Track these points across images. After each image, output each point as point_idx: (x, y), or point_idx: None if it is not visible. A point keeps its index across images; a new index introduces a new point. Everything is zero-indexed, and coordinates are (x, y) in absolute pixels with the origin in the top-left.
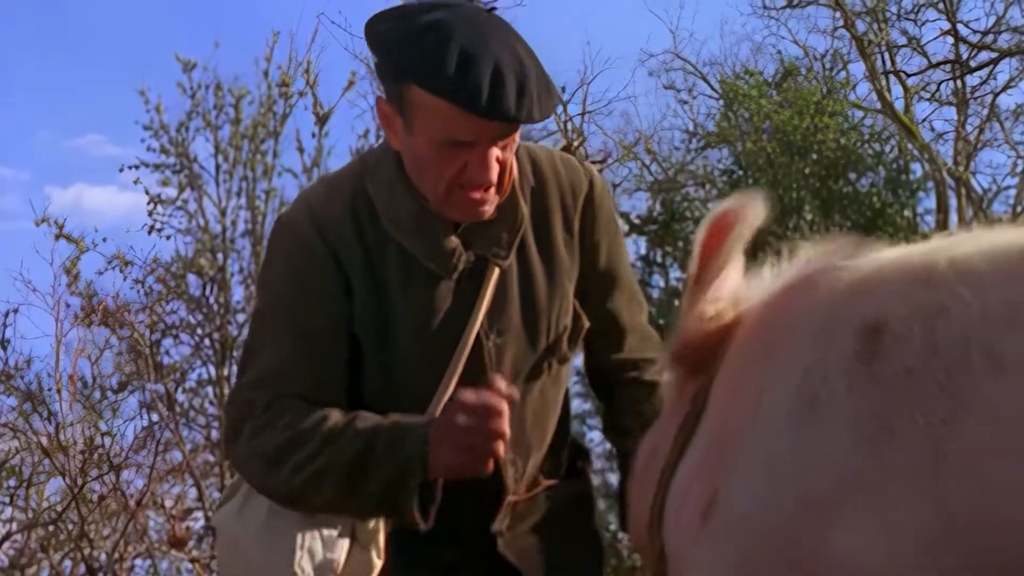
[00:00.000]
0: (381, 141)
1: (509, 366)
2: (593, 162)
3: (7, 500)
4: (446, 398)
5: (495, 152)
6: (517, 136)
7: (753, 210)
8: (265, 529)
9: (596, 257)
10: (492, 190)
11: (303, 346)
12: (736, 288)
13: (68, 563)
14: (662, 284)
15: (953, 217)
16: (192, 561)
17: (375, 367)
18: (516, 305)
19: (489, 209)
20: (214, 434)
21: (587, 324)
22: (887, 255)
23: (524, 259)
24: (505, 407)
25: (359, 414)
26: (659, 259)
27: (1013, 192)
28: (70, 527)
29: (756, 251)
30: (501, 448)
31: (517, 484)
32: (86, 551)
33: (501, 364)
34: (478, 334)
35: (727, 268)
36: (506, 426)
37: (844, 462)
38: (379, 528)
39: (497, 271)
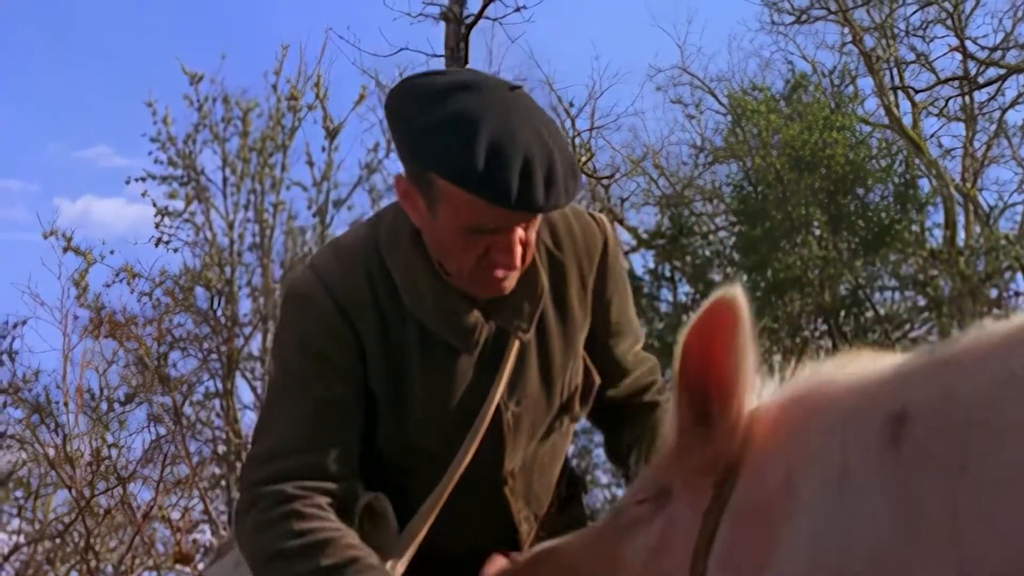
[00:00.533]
0: (391, 206)
1: (526, 432)
2: (600, 178)
3: (15, 512)
4: (463, 467)
5: (519, 234)
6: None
7: (743, 301)
8: None
9: (608, 312)
10: (519, 263)
11: (316, 419)
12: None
13: (74, 575)
14: (671, 299)
15: (960, 233)
16: None
17: (391, 431)
18: (535, 372)
19: (511, 284)
20: (220, 447)
21: (598, 380)
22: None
23: (542, 326)
24: None
25: (360, 559)
26: (668, 274)
27: (1020, 209)
28: (76, 539)
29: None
30: None
31: (529, 536)
32: (92, 563)
33: (519, 431)
34: (498, 405)
35: (743, 375)
36: None
37: (879, 544)
38: None
39: (518, 344)
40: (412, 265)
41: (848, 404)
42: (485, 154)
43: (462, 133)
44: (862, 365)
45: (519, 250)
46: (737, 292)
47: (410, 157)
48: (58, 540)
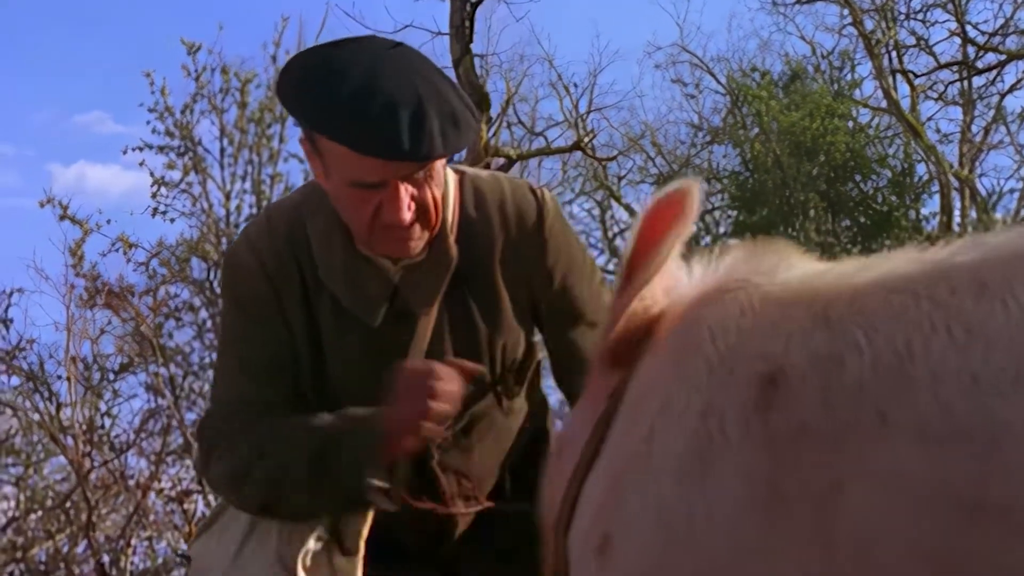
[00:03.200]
0: None
1: None
2: (601, 159)
3: (13, 483)
4: None
5: (408, 190)
6: (438, 171)
7: (695, 199)
8: (236, 562)
9: (549, 285)
10: (416, 227)
11: (251, 375)
12: (668, 282)
13: (67, 544)
14: None
15: (957, 219)
16: None
17: (314, 393)
18: (450, 346)
19: (417, 245)
20: None
21: (538, 357)
22: (803, 275)
23: (460, 299)
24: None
25: (315, 415)
26: None
27: (1016, 195)
28: (71, 510)
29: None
30: (443, 405)
31: (467, 519)
32: (91, 534)
33: None
34: None
35: (664, 262)
36: (445, 385)
37: (738, 527)
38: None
39: (424, 318)
40: (330, 234)
41: (727, 347)
42: (347, 102)
43: (329, 82)
44: (767, 284)
45: (409, 207)
46: (692, 186)
47: (293, 115)
48: (57, 511)
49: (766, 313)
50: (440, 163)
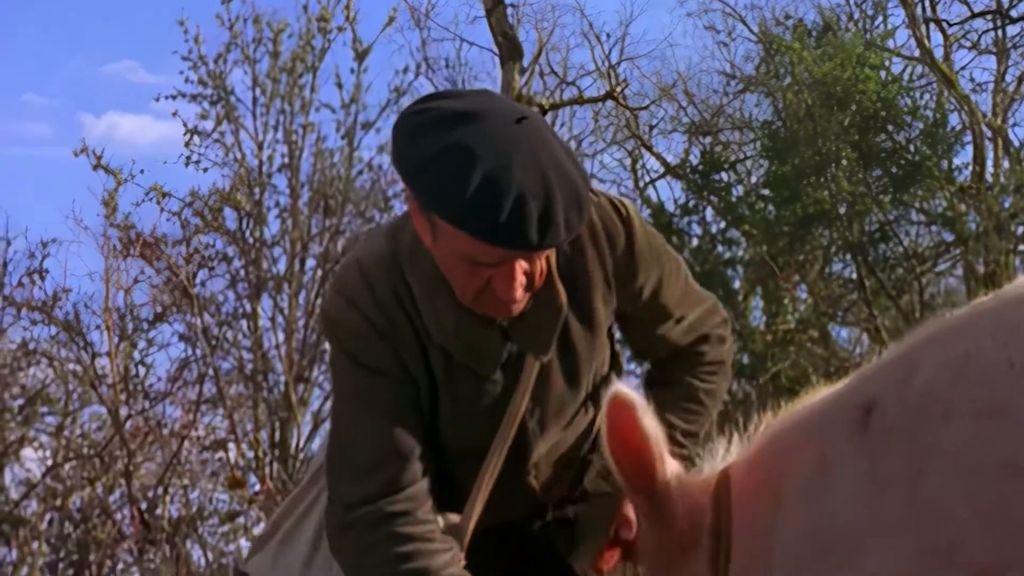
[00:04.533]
0: (407, 215)
1: (551, 429)
2: (633, 109)
3: (51, 432)
4: (488, 483)
5: (522, 267)
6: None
7: (631, 396)
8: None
9: (639, 297)
10: (523, 295)
11: (389, 430)
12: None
13: (102, 492)
14: (699, 232)
15: (989, 169)
16: (249, 502)
17: (431, 436)
18: (559, 380)
19: (519, 308)
20: (247, 368)
21: (622, 358)
22: None
23: (565, 337)
24: None
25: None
26: (698, 207)
27: None
28: (106, 459)
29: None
30: None
31: (555, 502)
32: (131, 483)
33: (543, 433)
34: (524, 417)
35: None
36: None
37: (850, 512)
38: None
39: (537, 364)
40: (433, 288)
41: (820, 409)
42: (475, 191)
43: (454, 167)
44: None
45: (521, 282)
46: (623, 389)
47: (408, 185)
48: (96, 460)
49: (839, 387)
50: None
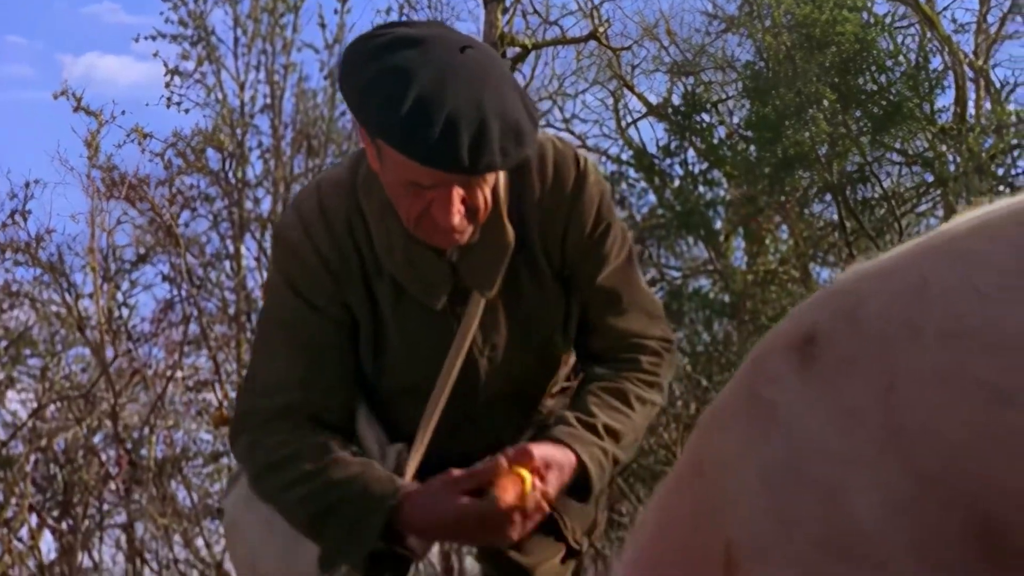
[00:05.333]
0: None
1: (503, 370)
2: (616, 49)
3: (35, 375)
4: (435, 420)
5: (460, 193)
6: (493, 175)
7: None
8: (269, 517)
9: (585, 254)
10: (464, 222)
11: (302, 358)
12: None
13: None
14: (680, 172)
15: (971, 110)
16: None
17: (373, 373)
18: (509, 321)
19: (462, 238)
20: (230, 308)
21: (575, 312)
22: None
23: (514, 278)
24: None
25: (337, 459)
26: (680, 148)
27: None
28: (91, 400)
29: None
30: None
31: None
32: (116, 422)
33: (494, 371)
34: (472, 352)
35: None
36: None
37: (818, 450)
38: None
39: (483, 300)
40: (385, 214)
41: (740, 378)
42: (408, 110)
43: (391, 88)
44: None
45: (459, 209)
46: None
47: (351, 109)
48: (81, 401)
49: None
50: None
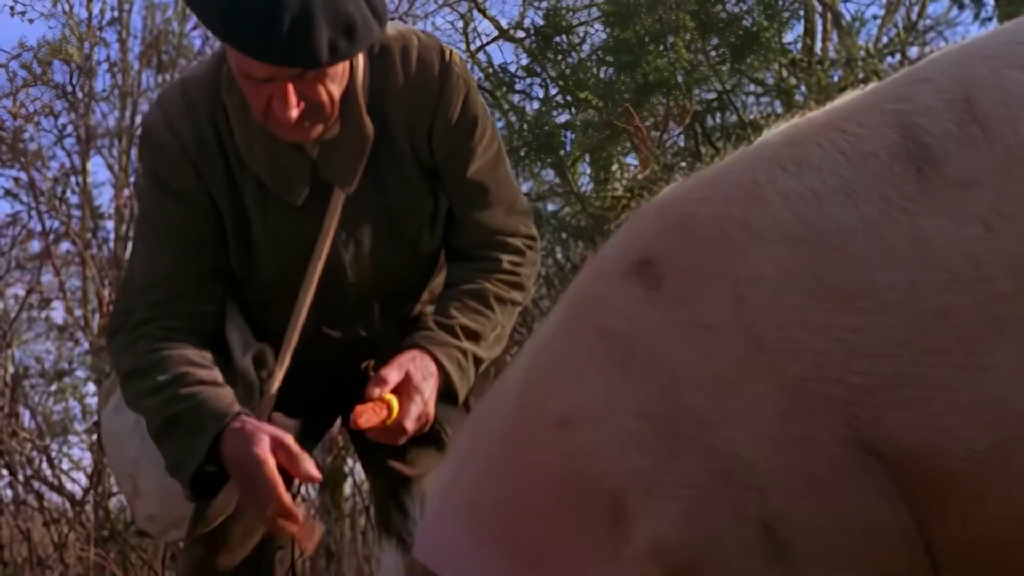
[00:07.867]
0: None
1: (370, 268)
2: None
3: None
4: (302, 318)
5: (297, 88)
6: (335, 70)
7: None
8: (138, 425)
9: (445, 161)
10: (307, 122)
11: (174, 253)
12: None
13: None
14: (541, 95)
15: (819, 44)
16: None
17: (241, 269)
18: (374, 216)
19: (310, 135)
20: (75, 224)
21: (444, 208)
22: None
23: (377, 172)
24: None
25: (190, 373)
26: (539, 70)
27: (878, 23)
28: None
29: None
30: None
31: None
32: None
33: (360, 269)
34: (336, 249)
35: None
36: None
37: (689, 373)
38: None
39: (343, 196)
40: (244, 109)
41: (575, 316)
42: (229, 1)
43: None
44: None
45: (293, 103)
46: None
47: (188, 5)
48: None
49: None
50: (339, 64)
